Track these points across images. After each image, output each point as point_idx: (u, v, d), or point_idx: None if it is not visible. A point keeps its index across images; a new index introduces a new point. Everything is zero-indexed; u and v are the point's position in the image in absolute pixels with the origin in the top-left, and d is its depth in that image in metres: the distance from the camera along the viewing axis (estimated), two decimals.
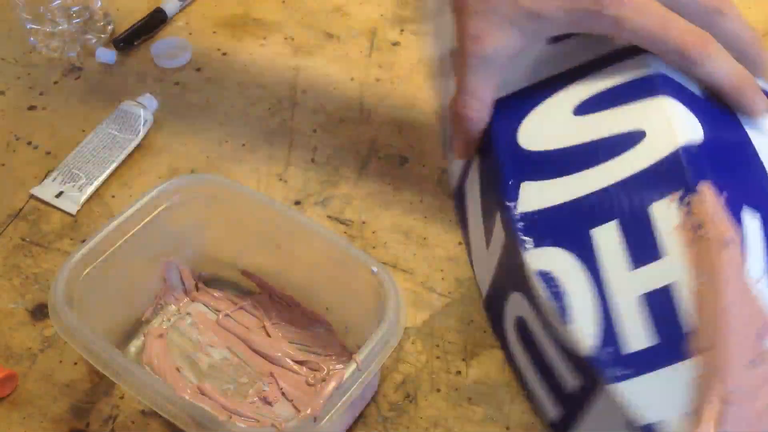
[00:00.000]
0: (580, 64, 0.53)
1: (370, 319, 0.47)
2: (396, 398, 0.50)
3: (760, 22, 0.77)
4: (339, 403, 0.42)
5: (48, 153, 0.64)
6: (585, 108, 0.51)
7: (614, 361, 0.42)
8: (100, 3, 0.72)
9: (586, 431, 0.46)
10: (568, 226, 0.47)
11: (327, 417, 0.42)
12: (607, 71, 0.52)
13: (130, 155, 0.64)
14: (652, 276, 0.43)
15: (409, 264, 0.58)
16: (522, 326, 0.49)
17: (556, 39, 0.54)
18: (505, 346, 0.52)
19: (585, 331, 0.43)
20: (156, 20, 0.74)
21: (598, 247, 0.45)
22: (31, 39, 0.72)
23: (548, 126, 0.51)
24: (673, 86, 0.49)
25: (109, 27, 0.73)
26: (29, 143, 0.65)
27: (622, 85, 0.50)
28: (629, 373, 0.42)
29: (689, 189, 0.44)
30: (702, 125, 0.48)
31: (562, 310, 0.44)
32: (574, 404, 0.46)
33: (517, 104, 0.53)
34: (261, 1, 0.78)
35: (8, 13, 0.75)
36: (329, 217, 0.60)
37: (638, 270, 0.44)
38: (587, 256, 0.45)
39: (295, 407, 0.49)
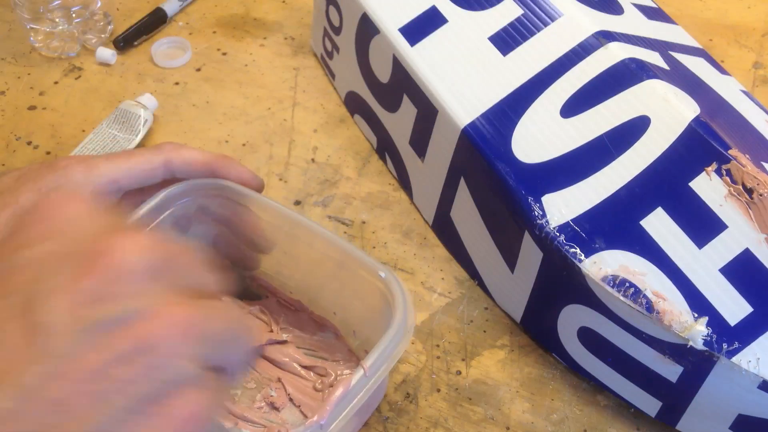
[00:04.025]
0: (542, 69, 0.53)
1: (377, 322, 0.46)
2: (396, 398, 0.50)
3: (760, 21, 0.77)
4: (346, 410, 0.42)
5: (48, 153, 0.64)
6: (571, 109, 0.51)
7: (719, 340, 0.43)
8: (100, 3, 0.72)
9: (697, 412, 0.46)
10: (613, 226, 0.46)
11: (334, 424, 0.42)
12: (576, 69, 0.52)
13: None
14: (724, 248, 0.44)
15: (409, 264, 0.57)
16: (588, 335, 0.48)
17: (509, 48, 0.54)
18: (564, 357, 0.51)
19: (681, 319, 0.43)
20: (156, 20, 0.74)
21: (654, 236, 0.46)
22: (31, 39, 0.72)
23: (542, 135, 0.51)
24: (650, 68, 0.50)
25: (109, 27, 0.73)
26: (29, 143, 0.65)
27: (598, 78, 0.51)
28: (739, 345, 0.43)
29: (722, 158, 0.46)
30: (691, 97, 0.49)
31: (648, 307, 0.44)
32: (677, 392, 0.46)
33: (498, 120, 0.52)
34: (261, 1, 0.78)
35: (8, 13, 0.75)
36: (329, 217, 0.60)
37: (707, 246, 0.45)
38: (648, 248, 0.45)
39: (303, 413, 0.49)
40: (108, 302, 0.22)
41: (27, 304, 0.21)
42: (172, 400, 0.23)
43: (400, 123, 0.59)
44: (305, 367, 0.51)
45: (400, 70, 0.57)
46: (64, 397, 0.21)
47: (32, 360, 0.21)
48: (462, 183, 0.54)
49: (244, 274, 0.54)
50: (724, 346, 0.42)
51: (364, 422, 0.49)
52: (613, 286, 0.44)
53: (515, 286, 0.52)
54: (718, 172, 0.45)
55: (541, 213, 0.48)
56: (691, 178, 0.46)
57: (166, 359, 0.23)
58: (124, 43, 0.72)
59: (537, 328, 0.53)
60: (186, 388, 0.23)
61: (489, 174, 0.51)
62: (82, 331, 0.22)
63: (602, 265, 0.45)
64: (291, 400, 0.50)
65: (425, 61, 0.56)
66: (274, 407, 0.49)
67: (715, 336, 0.43)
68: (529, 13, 0.55)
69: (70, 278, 0.22)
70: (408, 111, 0.58)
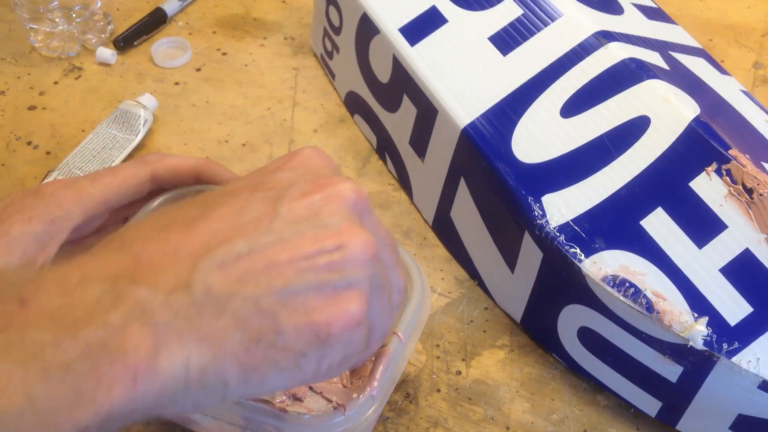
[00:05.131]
0: (542, 69, 0.53)
1: None
2: (396, 398, 0.50)
3: (760, 21, 0.77)
4: (391, 378, 0.44)
5: (48, 153, 0.64)
6: (571, 109, 0.51)
7: (719, 340, 0.43)
8: (100, 3, 0.72)
9: (697, 412, 0.46)
10: (613, 226, 0.46)
11: (383, 393, 0.43)
12: (576, 69, 0.52)
13: (130, 155, 0.63)
14: (724, 248, 0.44)
15: None
16: (588, 335, 0.48)
17: (509, 48, 0.54)
18: (564, 357, 0.51)
19: (681, 319, 0.43)
20: (156, 20, 0.74)
21: (654, 236, 0.46)
22: (31, 39, 0.72)
23: (542, 135, 0.51)
24: (650, 68, 0.50)
25: (109, 27, 0.73)
26: (29, 143, 0.65)
27: (598, 78, 0.51)
28: (739, 345, 0.43)
29: (722, 158, 0.46)
30: (691, 97, 0.49)
31: (648, 307, 0.44)
32: (677, 392, 0.46)
33: (498, 120, 0.52)
34: (261, 1, 0.78)
35: (8, 13, 0.75)
36: None
37: (707, 246, 0.45)
38: (648, 248, 0.45)
39: (326, 398, 0.49)
40: (325, 212, 0.32)
41: (276, 198, 0.32)
42: (343, 294, 0.31)
43: (400, 123, 0.59)
44: None
45: (400, 70, 0.57)
46: (276, 260, 0.30)
47: (265, 230, 0.31)
48: (462, 183, 0.54)
49: None
50: (724, 346, 0.42)
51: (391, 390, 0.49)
52: (613, 286, 0.44)
53: (515, 286, 0.52)
54: (718, 172, 0.45)
55: (541, 213, 0.48)
56: (691, 178, 0.46)
57: (354, 263, 0.31)
58: (124, 43, 0.72)
59: (537, 328, 0.53)
60: (355, 291, 0.31)
61: (489, 174, 0.51)
62: (304, 224, 0.31)
63: (602, 265, 0.45)
64: (311, 388, 0.50)
65: (425, 61, 0.56)
66: (296, 398, 0.49)
67: (715, 336, 0.43)
68: (529, 13, 0.55)
69: (304, 192, 0.32)
70: (408, 111, 0.58)
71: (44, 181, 0.62)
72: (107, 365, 0.27)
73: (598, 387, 0.51)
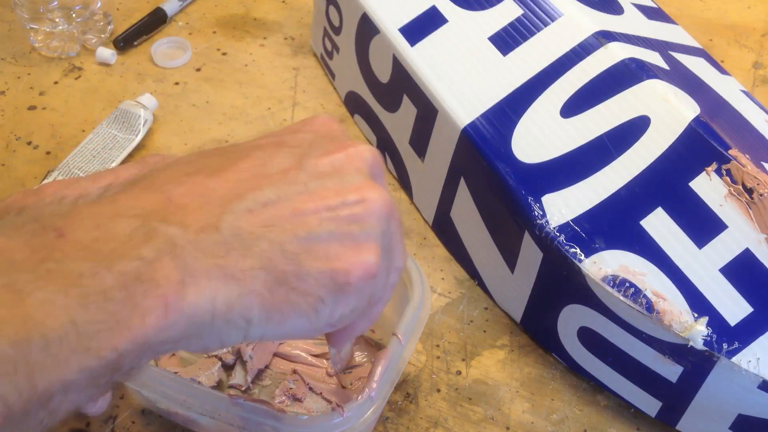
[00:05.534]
0: (542, 69, 0.53)
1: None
2: (396, 398, 0.50)
3: (760, 21, 0.77)
4: (390, 380, 0.44)
5: (48, 153, 0.64)
6: (571, 109, 0.51)
7: (719, 340, 0.43)
8: (100, 3, 0.72)
9: (697, 412, 0.46)
10: (613, 226, 0.46)
11: (382, 394, 0.43)
12: (576, 69, 0.52)
13: (130, 155, 0.64)
14: (724, 248, 0.44)
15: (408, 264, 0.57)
16: (588, 335, 0.48)
17: (509, 48, 0.54)
18: (564, 357, 0.51)
19: (681, 319, 0.43)
20: (156, 20, 0.74)
21: (654, 236, 0.46)
22: (31, 39, 0.72)
23: (542, 135, 0.51)
24: (650, 68, 0.50)
25: (109, 27, 0.73)
26: (29, 143, 0.65)
27: (598, 78, 0.51)
28: (739, 345, 0.43)
29: (722, 158, 0.46)
30: (691, 97, 0.49)
31: (648, 307, 0.44)
32: (677, 392, 0.46)
33: (498, 120, 0.52)
34: (261, 1, 0.78)
35: (8, 13, 0.75)
36: None
37: (707, 246, 0.45)
38: (648, 248, 0.45)
39: (325, 399, 0.49)
40: (347, 169, 0.34)
41: (301, 154, 0.34)
42: (363, 245, 0.33)
43: (400, 123, 0.59)
44: (316, 356, 0.51)
45: (400, 70, 0.57)
46: (302, 209, 0.32)
47: (291, 181, 0.33)
48: (462, 183, 0.54)
49: None
50: (724, 346, 0.42)
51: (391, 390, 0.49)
52: (613, 286, 0.44)
53: (515, 286, 0.52)
54: (718, 172, 0.45)
55: (541, 213, 0.48)
56: (691, 178, 0.46)
57: (373, 217, 0.33)
58: (124, 43, 0.72)
59: (537, 328, 0.53)
60: (373, 243, 0.33)
61: (489, 174, 0.51)
62: (328, 179, 0.33)
63: (602, 265, 0.45)
64: (311, 389, 0.50)
65: (425, 61, 0.56)
66: (296, 399, 0.49)
67: (715, 336, 0.43)
68: (529, 13, 0.55)
69: (327, 151, 0.34)
70: (408, 111, 0.58)
71: (44, 181, 0.62)
72: (141, 295, 0.28)
73: (598, 387, 0.51)
